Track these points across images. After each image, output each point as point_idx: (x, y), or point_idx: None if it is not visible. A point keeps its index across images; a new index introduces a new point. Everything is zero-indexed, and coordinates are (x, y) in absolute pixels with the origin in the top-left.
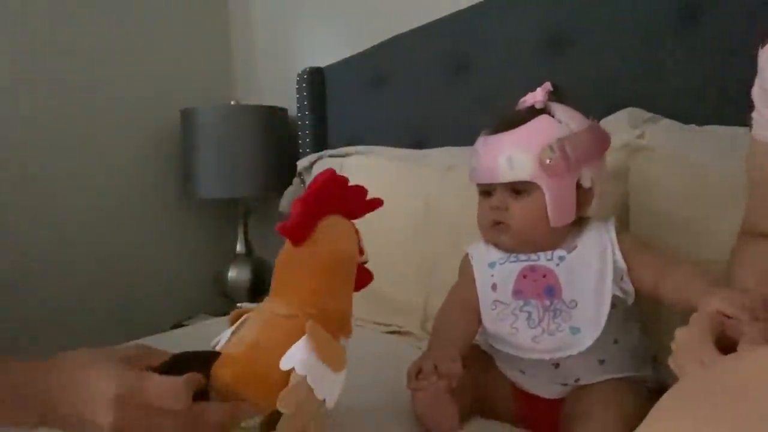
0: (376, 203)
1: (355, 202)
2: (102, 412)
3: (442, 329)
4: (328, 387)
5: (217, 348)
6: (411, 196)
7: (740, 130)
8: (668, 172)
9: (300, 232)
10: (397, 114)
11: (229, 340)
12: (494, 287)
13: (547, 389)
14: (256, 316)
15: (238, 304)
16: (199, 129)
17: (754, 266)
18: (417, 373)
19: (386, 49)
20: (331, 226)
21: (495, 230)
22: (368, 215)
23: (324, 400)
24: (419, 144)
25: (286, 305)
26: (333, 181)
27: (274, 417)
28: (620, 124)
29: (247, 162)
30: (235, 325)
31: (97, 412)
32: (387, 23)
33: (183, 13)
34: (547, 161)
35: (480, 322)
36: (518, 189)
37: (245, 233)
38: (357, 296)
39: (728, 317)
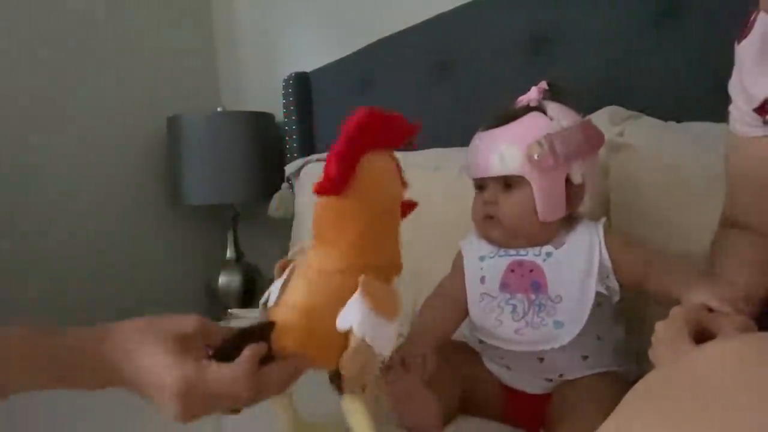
0: (415, 128)
1: (394, 131)
2: (167, 403)
3: (420, 322)
4: (387, 340)
5: (269, 304)
6: None
7: (719, 126)
8: (648, 168)
9: (339, 187)
10: None
11: (280, 296)
12: (483, 280)
13: (532, 385)
14: (303, 270)
15: (229, 311)
16: (186, 136)
17: (737, 257)
18: (387, 368)
19: (371, 53)
20: (371, 167)
21: (487, 224)
22: None
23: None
24: (405, 146)
25: (332, 258)
26: (368, 125)
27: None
28: (601, 123)
29: (235, 168)
30: (284, 276)
31: (161, 402)
32: (371, 27)
33: (167, 21)
34: (535, 156)
35: (463, 315)
36: (509, 183)
37: (235, 239)
38: None
39: (711, 310)
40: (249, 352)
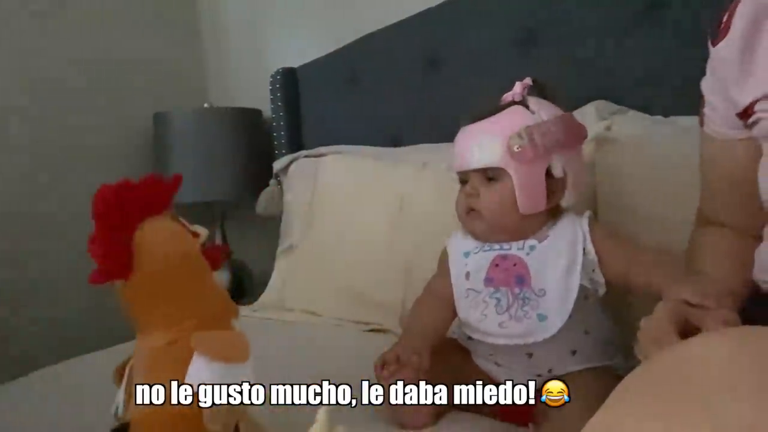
0: (176, 181)
1: (154, 193)
2: None
3: (412, 322)
4: (242, 380)
5: (118, 412)
6: (386, 194)
7: None
8: (634, 162)
9: (116, 268)
10: (372, 112)
11: (126, 400)
12: (467, 276)
13: (521, 380)
14: (137, 362)
15: None
16: (173, 132)
17: (715, 255)
18: (382, 365)
19: (359, 48)
20: (147, 239)
21: (469, 218)
22: (345, 215)
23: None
24: (395, 142)
25: (158, 335)
26: (110, 200)
27: None
28: (588, 117)
29: (223, 165)
30: (124, 381)
31: None
32: (359, 22)
33: (153, 17)
34: (516, 148)
35: (453, 314)
36: (489, 176)
37: (223, 236)
38: (337, 296)
39: (694, 306)
40: None
